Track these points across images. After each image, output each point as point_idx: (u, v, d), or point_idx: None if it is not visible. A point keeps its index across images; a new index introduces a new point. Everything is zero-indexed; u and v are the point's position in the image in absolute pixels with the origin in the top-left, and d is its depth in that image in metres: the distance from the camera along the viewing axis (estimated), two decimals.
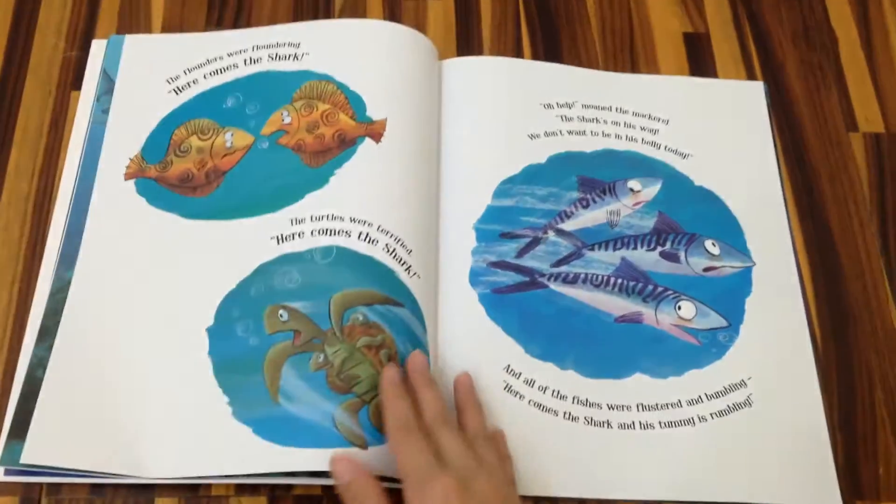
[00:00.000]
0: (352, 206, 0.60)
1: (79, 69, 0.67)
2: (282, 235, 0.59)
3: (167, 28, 0.69)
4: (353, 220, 0.59)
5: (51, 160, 0.64)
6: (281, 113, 0.64)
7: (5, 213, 0.62)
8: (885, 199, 0.66)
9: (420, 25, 0.70)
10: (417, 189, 0.62)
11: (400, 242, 0.59)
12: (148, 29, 0.69)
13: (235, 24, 0.70)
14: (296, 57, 0.66)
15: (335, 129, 0.63)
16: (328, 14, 0.71)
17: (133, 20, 0.70)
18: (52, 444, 0.54)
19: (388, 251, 0.58)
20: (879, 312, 0.62)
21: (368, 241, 0.58)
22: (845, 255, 0.64)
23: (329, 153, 0.62)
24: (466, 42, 0.70)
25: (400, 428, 0.51)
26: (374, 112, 0.63)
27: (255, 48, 0.67)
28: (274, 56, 0.66)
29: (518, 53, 0.70)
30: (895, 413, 0.58)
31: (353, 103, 0.64)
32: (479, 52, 0.70)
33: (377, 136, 0.62)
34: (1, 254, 0.61)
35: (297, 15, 0.70)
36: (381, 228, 0.59)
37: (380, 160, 0.62)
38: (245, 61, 0.66)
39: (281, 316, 0.57)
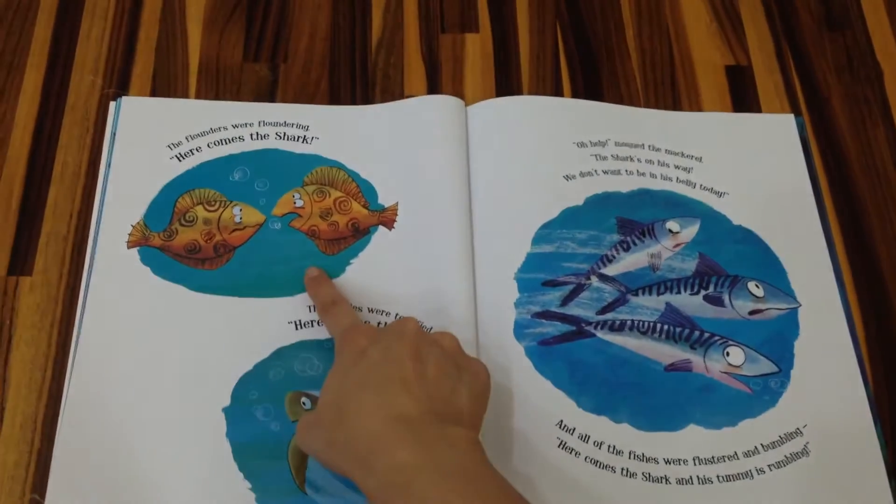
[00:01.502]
0: (369, 297, 0.61)
1: None
2: (300, 321, 0.60)
3: (205, 62, 0.69)
4: (371, 310, 0.60)
5: (88, 201, 0.63)
6: (293, 195, 0.64)
7: (43, 253, 0.61)
8: None
9: (458, 59, 0.70)
10: (439, 264, 0.62)
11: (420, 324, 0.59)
12: (185, 64, 0.68)
13: (272, 61, 0.69)
14: (305, 139, 0.66)
15: (349, 218, 0.63)
16: (365, 50, 0.70)
17: (171, 55, 0.69)
18: None
19: None
20: None
21: None
22: None
23: (344, 241, 0.63)
24: (505, 76, 0.70)
25: (326, 303, 0.58)
26: (385, 199, 0.64)
27: (262, 124, 0.66)
28: (282, 135, 0.66)
29: (557, 87, 0.70)
30: None
31: (365, 192, 0.64)
32: (518, 86, 0.70)
33: (390, 224, 0.63)
34: (41, 295, 0.60)
35: (335, 51, 0.70)
36: (398, 315, 0.60)
37: (394, 246, 0.62)
38: (251, 136, 0.66)
39: (304, 403, 0.57)
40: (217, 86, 0.68)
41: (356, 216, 0.64)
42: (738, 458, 0.57)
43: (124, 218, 0.62)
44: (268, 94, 0.68)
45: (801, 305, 0.62)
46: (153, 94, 0.67)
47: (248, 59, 0.69)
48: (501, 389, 0.58)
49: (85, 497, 0.54)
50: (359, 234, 0.63)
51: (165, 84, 0.68)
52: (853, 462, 0.57)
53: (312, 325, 0.59)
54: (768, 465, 0.57)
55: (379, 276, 0.61)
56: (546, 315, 0.61)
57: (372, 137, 0.66)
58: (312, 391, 0.57)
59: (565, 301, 0.61)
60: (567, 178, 0.65)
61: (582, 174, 0.66)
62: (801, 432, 0.58)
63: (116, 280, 0.60)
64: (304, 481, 0.55)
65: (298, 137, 0.66)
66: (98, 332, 0.58)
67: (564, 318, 0.61)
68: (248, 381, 0.57)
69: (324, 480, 0.55)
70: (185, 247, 0.62)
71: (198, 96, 0.67)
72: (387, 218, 0.63)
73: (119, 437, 0.55)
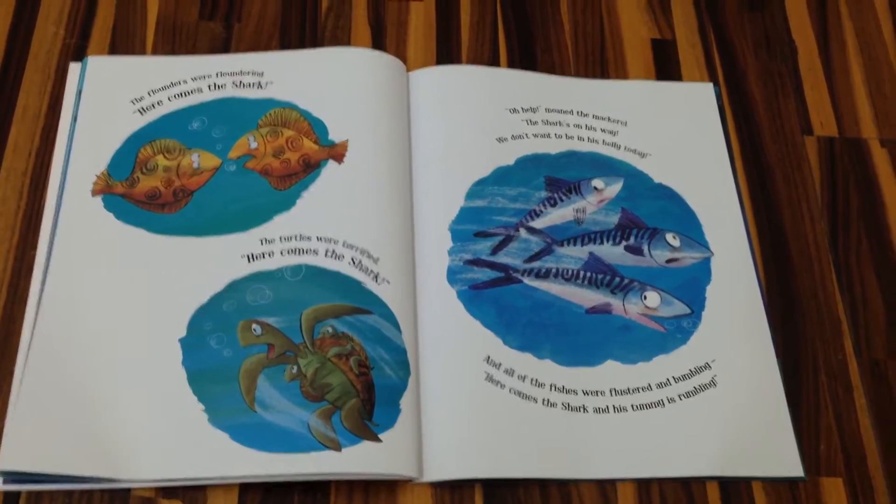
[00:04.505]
0: (318, 226, 0.64)
1: (76, 56, 0.70)
2: (252, 254, 0.63)
3: (162, 18, 0.73)
4: (319, 238, 0.64)
5: (47, 142, 0.67)
6: (247, 138, 0.68)
7: (3, 186, 0.65)
8: (836, 198, 0.70)
9: (402, 25, 0.74)
10: (383, 200, 0.66)
11: (366, 254, 0.63)
12: (144, 19, 0.73)
13: (226, 21, 0.73)
14: (260, 85, 0.70)
15: (300, 154, 0.67)
16: (315, 12, 0.74)
17: (130, 10, 0.73)
18: (28, 450, 0.56)
19: (354, 264, 0.63)
20: (826, 303, 0.66)
21: (335, 258, 0.63)
22: (796, 249, 0.68)
23: (295, 177, 0.66)
24: (446, 42, 0.74)
25: None
26: (336, 135, 0.68)
27: (219, 74, 0.70)
28: (238, 83, 0.70)
29: (495, 55, 0.74)
30: (836, 395, 0.63)
31: (316, 129, 0.68)
32: (458, 54, 0.74)
33: (339, 158, 0.67)
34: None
35: (286, 13, 0.74)
36: (346, 244, 0.63)
37: (343, 180, 0.66)
38: (209, 86, 0.70)
39: (254, 330, 0.60)
40: (173, 41, 0.72)
41: (307, 152, 0.67)
42: (651, 389, 0.62)
43: (89, 168, 0.66)
44: (222, 52, 0.71)
45: (713, 255, 0.67)
46: (112, 46, 0.71)
47: (204, 17, 0.73)
48: (435, 328, 0.62)
49: (49, 416, 0.57)
50: (310, 169, 0.67)
51: (124, 38, 0.71)
52: (756, 392, 0.62)
53: (263, 257, 0.63)
54: (679, 395, 0.61)
55: (328, 206, 0.65)
56: (477, 262, 0.65)
57: (323, 79, 0.70)
58: (263, 318, 0.61)
59: (495, 250, 0.66)
60: (500, 140, 0.70)
61: (514, 137, 0.70)
62: (709, 366, 0.63)
63: (81, 225, 0.64)
64: (253, 400, 0.58)
65: (254, 84, 0.70)
66: (64, 275, 0.62)
67: (494, 266, 0.65)
68: (204, 313, 0.61)
69: (273, 399, 0.58)
70: (146, 193, 0.65)
71: (154, 51, 0.71)
72: (336, 152, 0.67)
73: (83, 367, 0.59)
